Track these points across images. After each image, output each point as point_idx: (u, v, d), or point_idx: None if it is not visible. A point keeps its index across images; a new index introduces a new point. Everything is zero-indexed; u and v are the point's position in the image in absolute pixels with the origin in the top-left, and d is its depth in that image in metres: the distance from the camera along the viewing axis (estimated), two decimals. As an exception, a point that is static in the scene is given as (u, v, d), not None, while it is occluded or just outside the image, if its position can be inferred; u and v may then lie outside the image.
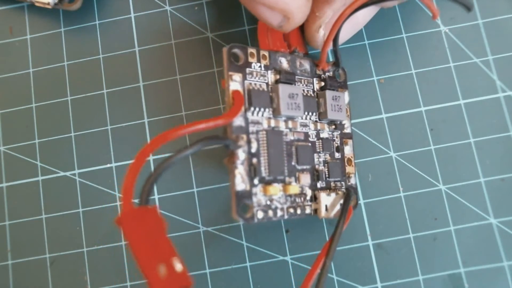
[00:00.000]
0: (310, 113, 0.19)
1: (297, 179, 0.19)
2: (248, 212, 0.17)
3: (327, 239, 0.22)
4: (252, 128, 0.17)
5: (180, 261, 0.12)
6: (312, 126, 0.20)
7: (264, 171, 0.17)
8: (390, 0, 0.17)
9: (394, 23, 0.23)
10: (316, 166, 0.20)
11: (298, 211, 0.18)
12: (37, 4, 0.23)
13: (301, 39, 0.21)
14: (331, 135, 0.20)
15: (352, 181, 0.21)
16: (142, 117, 0.23)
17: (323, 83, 0.20)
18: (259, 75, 0.18)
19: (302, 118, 0.19)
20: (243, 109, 0.17)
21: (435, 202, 0.22)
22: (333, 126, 0.21)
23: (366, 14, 0.21)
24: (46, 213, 0.22)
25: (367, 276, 0.21)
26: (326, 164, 0.20)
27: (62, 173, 0.23)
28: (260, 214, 0.17)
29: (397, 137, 0.22)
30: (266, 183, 0.17)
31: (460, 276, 0.21)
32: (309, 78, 0.20)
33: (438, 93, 0.23)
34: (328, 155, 0.20)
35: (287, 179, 0.18)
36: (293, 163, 0.19)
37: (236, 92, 0.17)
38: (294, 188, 0.18)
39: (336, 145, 0.21)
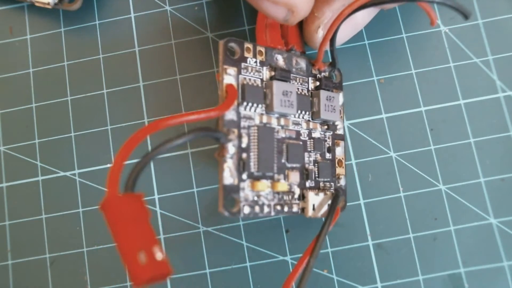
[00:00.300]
0: (303, 112, 0.19)
1: (286, 177, 0.19)
2: (235, 207, 0.17)
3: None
4: (244, 123, 0.17)
5: (160, 250, 0.12)
6: (304, 125, 0.20)
7: (253, 167, 0.17)
8: (389, 3, 0.17)
9: (394, 23, 0.23)
10: (306, 165, 0.19)
11: (285, 209, 0.18)
12: (37, 4, 0.23)
13: (299, 38, 0.21)
14: (323, 135, 0.20)
15: (342, 182, 0.21)
16: (142, 117, 0.23)
17: (318, 83, 0.20)
18: (254, 71, 0.18)
19: (295, 116, 0.19)
20: (235, 103, 0.17)
21: (435, 202, 0.22)
22: (326, 126, 0.21)
23: (366, 15, 0.21)
24: (46, 213, 0.22)
25: (367, 276, 0.21)
26: (316, 164, 0.20)
27: (62, 173, 0.23)
28: (246, 209, 0.17)
29: (397, 137, 0.22)
30: (254, 178, 0.17)
31: (460, 276, 0.21)
32: (304, 77, 0.20)
33: (438, 93, 0.23)
34: (319, 155, 0.20)
35: (276, 176, 0.18)
36: (283, 161, 0.19)
37: (229, 85, 0.17)
38: (282, 186, 0.18)
39: (328, 145, 0.20)
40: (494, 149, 0.22)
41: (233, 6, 0.23)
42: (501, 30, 0.23)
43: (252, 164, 0.17)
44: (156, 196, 0.22)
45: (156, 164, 0.22)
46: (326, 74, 0.21)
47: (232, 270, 0.22)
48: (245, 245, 0.22)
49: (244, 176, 0.17)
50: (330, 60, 0.21)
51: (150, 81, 0.23)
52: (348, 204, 0.21)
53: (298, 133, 0.19)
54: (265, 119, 0.18)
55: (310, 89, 0.20)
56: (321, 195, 0.19)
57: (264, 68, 0.18)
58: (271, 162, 0.18)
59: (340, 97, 0.21)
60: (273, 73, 0.18)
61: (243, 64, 0.18)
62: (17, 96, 0.23)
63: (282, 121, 0.19)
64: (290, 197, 0.19)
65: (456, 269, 0.21)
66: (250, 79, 0.18)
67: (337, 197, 0.19)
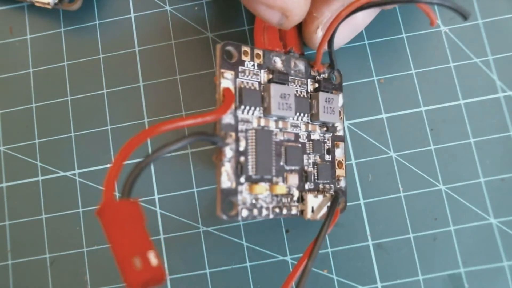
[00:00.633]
0: (302, 114, 0.19)
1: (285, 179, 0.19)
2: (233, 210, 0.17)
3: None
4: (241, 127, 0.17)
5: (156, 255, 0.12)
6: (303, 127, 0.20)
7: (251, 170, 0.17)
8: (387, 4, 0.17)
9: (394, 23, 0.23)
10: (305, 167, 0.19)
11: (284, 211, 0.18)
12: (37, 4, 0.23)
13: (297, 39, 0.21)
14: (322, 137, 0.20)
15: (342, 184, 0.21)
16: (142, 117, 0.23)
17: (317, 85, 0.20)
18: (252, 74, 0.18)
19: (293, 119, 0.19)
20: (233, 106, 0.17)
21: (435, 202, 0.22)
22: (325, 128, 0.20)
23: (366, 16, 0.21)
24: (46, 213, 0.22)
25: (367, 276, 0.21)
26: (315, 166, 0.20)
27: (62, 173, 0.23)
28: (244, 213, 0.17)
29: (397, 137, 0.22)
30: (252, 181, 0.17)
31: (460, 276, 0.21)
32: (303, 79, 0.20)
33: (438, 93, 0.23)
34: (318, 157, 0.20)
35: (274, 178, 0.18)
36: (281, 163, 0.19)
37: (226, 89, 0.17)
38: (281, 188, 0.18)
39: (327, 147, 0.20)
40: (494, 149, 0.22)
41: (233, 6, 0.23)
42: (501, 30, 0.23)
43: (250, 167, 0.17)
44: (156, 196, 0.22)
45: (156, 164, 0.22)
46: (326, 75, 0.21)
47: (232, 270, 0.22)
48: (245, 245, 0.22)
49: (242, 179, 0.17)
50: (329, 62, 0.21)
51: (150, 81, 0.23)
52: (348, 204, 0.21)
53: (297, 136, 0.19)
54: (263, 122, 0.18)
55: (309, 91, 0.20)
56: (320, 197, 0.19)
57: (262, 71, 0.18)
58: (269, 165, 0.18)
59: (340, 99, 0.21)
60: (271, 76, 0.18)
61: (240, 68, 0.18)
62: (17, 96, 0.23)
63: (281, 124, 0.19)
64: (289, 199, 0.19)
65: (456, 269, 0.21)
66: (247, 83, 0.18)
67: (336, 199, 0.19)
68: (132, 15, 0.24)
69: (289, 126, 0.19)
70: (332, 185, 0.20)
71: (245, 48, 0.18)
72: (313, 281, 0.21)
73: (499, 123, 0.22)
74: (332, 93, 0.20)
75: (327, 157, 0.20)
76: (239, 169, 0.17)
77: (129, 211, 0.13)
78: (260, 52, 0.18)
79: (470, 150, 0.22)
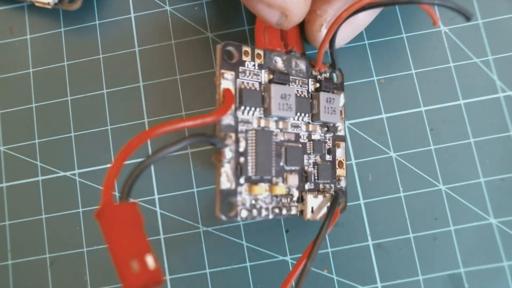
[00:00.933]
0: (303, 114, 0.19)
1: (285, 180, 0.19)
2: (232, 211, 0.17)
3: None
4: (241, 127, 0.17)
5: (154, 258, 0.12)
6: (304, 127, 0.20)
7: (250, 171, 0.17)
8: (389, 5, 0.17)
9: (394, 23, 0.23)
10: (306, 168, 0.19)
11: (284, 212, 0.18)
12: (37, 4, 0.23)
13: (299, 39, 0.21)
14: (323, 137, 0.20)
15: (342, 183, 0.21)
16: (142, 117, 0.23)
17: (318, 85, 0.20)
18: (252, 74, 0.18)
19: (294, 119, 0.19)
20: (233, 107, 0.17)
21: (435, 202, 0.22)
22: (326, 128, 0.20)
23: (367, 16, 0.21)
24: (46, 213, 0.22)
25: (367, 276, 0.21)
26: (316, 166, 0.20)
27: (62, 173, 0.23)
28: (244, 213, 0.17)
29: (397, 137, 0.22)
30: (252, 182, 0.17)
31: (460, 276, 0.21)
32: (304, 79, 0.20)
33: (438, 93, 0.23)
34: (318, 157, 0.20)
35: (274, 179, 0.18)
36: (281, 164, 0.18)
37: (226, 90, 0.17)
38: (280, 189, 0.18)
39: (328, 147, 0.20)
40: (494, 149, 0.22)
41: (233, 6, 0.23)
42: (501, 30, 0.23)
43: (249, 168, 0.17)
44: (156, 196, 0.22)
45: (156, 164, 0.22)
46: (327, 75, 0.21)
47: (232, 270, 0.22)
48: (245, 245, 0.22)
49: (242, 180, 0.17)
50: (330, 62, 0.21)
51: (150, 81, 0.23)
52: (348, 204, 0.21)
53: (297, 136, 0.19)
54: (263, 123, 0.18)
55: (310, 90, 0.20)
56: (320, 197, 0.19)
57: (263, 71, 0.18)
58: (269, 165, 0.18)
59: (341, 98, 0.21)
60: (271, 76, 0.18)
61: (241, 68, 0.18)
62: (17, 96, 0.23)
63: (281, 124, 0.19)
64: (288, 199, 0.19)
65: (456, 269, 0.21)
66: (248, 83, 0.18)
67: (336, 199, 0.19)
68: (132, 15, 0.24)
69: (290, 126, 0.19)
70: (332, 185, 0.20)
71: (245, 48, 0.18)
72: (313, 281, 0.21)
73: (499, 123, 0.22)
74: (333, 92, 0.20)
75: (328, 157, 0.20)
76: (239, 170, 0.17)
77: (128, 213, 0.13)
78: (261, 52, 0.18)
79: (470, 150, 0.22)
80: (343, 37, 0.20)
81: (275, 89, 0.18)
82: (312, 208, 0.19)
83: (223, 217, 0.16)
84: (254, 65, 0.18)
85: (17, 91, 0.23)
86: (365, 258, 0.22)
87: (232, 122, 0.17)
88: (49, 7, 0.23)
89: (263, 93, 0.18)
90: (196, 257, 0.22)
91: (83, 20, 0.24)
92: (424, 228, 0.22)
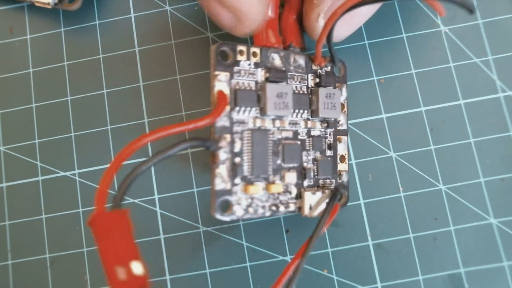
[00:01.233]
0: (301, 111, 0.19)
1: (282, 178, 0.18)
2: (228, 210, 0.17)
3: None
4: (236, 128, 0.17)
5: (142, 265, 0.12)
6: (302, 124, 0.19)
7: (246, 170, 0.17)
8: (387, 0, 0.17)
9: (394, 23, 0.23)
10: (304, 164, 0.19)
11: (281, 209, 0.18)
12: (37, 4, 0.23)
13: (298, 33, 0.20)
14: (323, 133, 0.20)
15: (344, 178, 0.20)
16: (142, 117, 0.23)
17: (318, 80, 0.20)
18: (248, 74, 0.18)
19: (291, 116, 0.19)
20: (227, 109, 0.17)
21: (435, 202, 0.22)
22: (326, 124, 0.20)
23: (368, 9, 0.20)
24: (46, 213, 0.22)
25: (367, 276, 0.21)
26: (315, 162, 0.20)
27: (62, 173, 0.23)
28: (239, 212, 0.17)
29: (397, 137, 0.22)
30: (248, 182, 0.17)
31: (460, 276, 0.21)
32: (303, 75, 0.19)
33: (438, 93, 0.23)
34: (318, 153, 0.20)
35: (271, 177, 0.18)
36: (278, 162, 0.18)
37: (220, 92, 0.17)
38: (277, 187, 0.18)
39: (329, 142, 0.20)
40: (494, 149, 0.22)
41: (233, 6, 0.23)
42: (501, 30, 0.23)
43: (245, 168, 0.17)
44: (156, 196, 0.22)
45: (156, 164, 0.22)
46: (328, 69, 0.20)
47: (232, 270, 0.22)
48: (245, 245, 0.22)
49: (237, 180, 0.17)
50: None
51: (150, 81, 0.23)
52: (348, 204, 0.21)
53: (296, 133, 0.19)
54: (259, 123, 0.18)
55: (310, 86, 0.20)
56: (319, 194, 0.19)
57: (259, 69, 0.18)
58: (265, 164, 0.18)
59: (344, 91, 0.21)
60: (267, 75, 0.18)
61: (235, 68, 0.17)
62: (17, 96, 0.23)
63: (278, 123, 0.19)
64: (286, 197, 0.19)
65: (456, 269, 0.21)
66: (243, 83, 0.17)
67: (335, 196, 0.19)
68: (132, 15, 0.24)
69: (287, 124, 0.19)
70: (333, 180, 0.20)
71: (240, 47, 0.17)
72: (313, 281, 0.21)
73: (499, 123, 0.22)
74: (335, 86, 0.20)
75: (328, 153, 0.20)
76: (234, 170, 0.17)
77: (118, 221, 0.13)
78: (257, 50, 0.18)
79: (470, 150, 0.22)
80: (343, 30, 0.20)
81: (270, 88, 0.18)
82: (310, 204, 0.19)
83: (219, 217, 0.16)
84: (249, 64, 0.18)
85: (17, 91, 0.23)
86: (365, 258, 0.22)
87: (227, 124, 0.17)
88: (49, 7, 0.23)
89: (259, 92, 0.18)
90: (196, 257, 0.22)
91: (83, 20, 0.24)
92: (424, 228, 0.22)
